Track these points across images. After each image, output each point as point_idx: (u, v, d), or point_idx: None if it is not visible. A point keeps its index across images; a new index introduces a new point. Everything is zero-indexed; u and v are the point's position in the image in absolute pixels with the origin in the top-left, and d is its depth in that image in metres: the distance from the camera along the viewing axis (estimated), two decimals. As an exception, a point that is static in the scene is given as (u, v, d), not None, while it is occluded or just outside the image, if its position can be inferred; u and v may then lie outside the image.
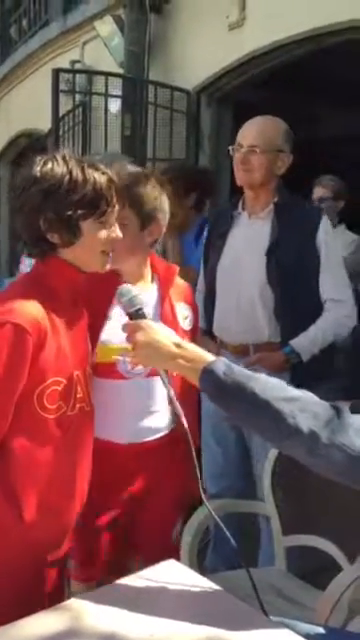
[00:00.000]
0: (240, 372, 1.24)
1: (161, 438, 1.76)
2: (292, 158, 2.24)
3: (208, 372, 1.25)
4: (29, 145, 8.36)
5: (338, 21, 3.84)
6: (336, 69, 5.14)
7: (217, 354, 2.22)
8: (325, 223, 2.20)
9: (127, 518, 1.78)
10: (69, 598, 1.33)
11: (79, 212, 1.39)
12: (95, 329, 1.64)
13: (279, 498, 2.09)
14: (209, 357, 1.29)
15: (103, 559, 1.75)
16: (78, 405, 1.45)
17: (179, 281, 1.84)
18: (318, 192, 3.61)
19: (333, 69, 5.10)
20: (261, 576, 2.10)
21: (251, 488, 2.34)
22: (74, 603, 1.26)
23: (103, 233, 1.44)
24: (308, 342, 2.16)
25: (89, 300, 1.64)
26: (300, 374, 2.19)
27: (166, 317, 1.76)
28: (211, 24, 4.58)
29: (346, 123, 6.74)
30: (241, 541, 2.45)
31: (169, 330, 1.40)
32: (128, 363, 1.65)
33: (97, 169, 1.42)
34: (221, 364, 1.26)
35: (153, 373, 1.70)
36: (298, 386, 2.17)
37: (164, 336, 1.34)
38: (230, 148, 2.25)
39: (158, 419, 1.75)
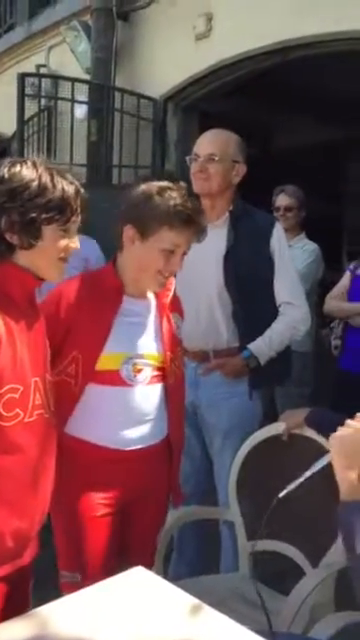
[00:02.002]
0: None
1: (154, 445, 1.80)
2: (246, 169, 2.29)
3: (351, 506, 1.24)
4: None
5: (305, 35, 3.93)
6: (302, 81, 5.25)
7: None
8: (278, 230, 2.28)
9: (124, 522, 1.80)
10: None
11: (43, 216, 1.39)
12: (100, 339, 1.69)
13: (243, 504, 2.12)
14: None
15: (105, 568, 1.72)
16: (36, 412, 1.44)
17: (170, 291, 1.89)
18: (283, 200, 3.65)
19: (299, 81, 5.21)
20: (225, 582, 2.12)
21: (213, 493, 2.36)
22: (40, 612, 1.25)
23: (63, 241, 1.44)
24: (265, 346, 2.22)
25: (94, 311, 1.70)
26: (258, 378, 2.23)
27: (165, 328, 1.81)
28: (178, 33, 4.63)
29: (309, 133, 6.88)
30: (204, 547, 2.48)
31: None
32: (131, 370, 1.70)
33: (65, 178, 1.42)
34: None
35: (152, 382, 1.76)
36: (256, 388, 2.22)
37: None
38: (187, 158, 2.29)
39: (156, 425, 1.79)
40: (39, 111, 5.09)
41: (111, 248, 2.86)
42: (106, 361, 1.70)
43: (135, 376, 1.73)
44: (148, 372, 1.76)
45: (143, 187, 1.70)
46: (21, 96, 4.70)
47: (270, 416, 2.44)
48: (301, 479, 1.43)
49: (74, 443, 1.72)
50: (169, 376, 1.80)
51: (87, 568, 1.69)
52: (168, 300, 1.84)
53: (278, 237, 2.27)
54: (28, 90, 4.99)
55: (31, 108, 5.10)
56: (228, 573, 2.25)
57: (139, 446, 1.76)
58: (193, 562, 2.45)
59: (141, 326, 1.77)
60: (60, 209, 1.40)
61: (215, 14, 4.39)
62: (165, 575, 2.29)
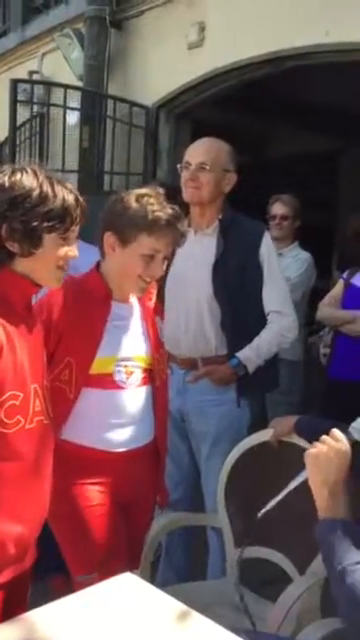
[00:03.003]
0: (346, 545, 1.23)
1: (144, 446, 1.85)
2: (236, 178, 2.31)
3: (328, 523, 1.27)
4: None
5: (297, 45, 3.97)
6: (294, 91, 5.30)
7: (166, 367, 2.29)
8: (267, 239, 2.30)
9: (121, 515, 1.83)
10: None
11: (44, 225, 1.40)
12: (92, 344, 1.73)
13: (231, 511, 2.13)
14: (339, 511, 1.30)
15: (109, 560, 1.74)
16: (36, 418, 1.46)
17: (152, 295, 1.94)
18: (279, 209, 3.65)
19: (291, 91, 5.26)
20: (212, 588, 2.13)
21: (202, 500, 2.37)
22: (29, 617, 1.25)
23: (63, 249, 1.46)
24: (253, 354, 2.24)
25: (85, 317, 1.74)
26: (246, 386, 2.25)
27: (149, 331, 1.87)
28: (171, 42, 4.66)
29: (300, 143, 6.94)
30: (191, 553, 2.49)
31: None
32: (124, 373, 1.75)
33: (65, 187, 1.44)
34: (345, 526, 1.27)
35: (142, 384, 1.81)
36: (244, 396, 2.24)
37: (346, 465, 1.35)
38: (178, 166, 2.31)
39: (145, 427, 1.84)
40: (31, 117, 5.11)
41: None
42: (99, 365, 1.75)
43: (127, 378, 1.78)
44: (138, 374, 1.81)
45: (121, 195, 1.74)
46: (13, 102, 4.71)
47: (260, 424, 2.45)
48: (279, 497, 1.45)
49: (67, 447, 1.74)
50: (156, 377, 1.85)
51: (102, 564, 1.69)
52: (152, 303, 1.89)
53: (267, 246, 2.29)
54: (20, 96, 5.01)
55: (23, 114, 5.12)
56: (216, 579, 2.26)
57: (129, 447, 1.80)
58: (181, 568, 2.46)
59: (128, 329, 1.82)
60: (61, 218, 1.42)
61: (208, 24, 4.43)
62: (153, 581, 2.31)
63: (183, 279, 2.29)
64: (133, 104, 4.88)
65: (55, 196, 1.41)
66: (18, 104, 4.84)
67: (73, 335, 1.72)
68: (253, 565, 2.12)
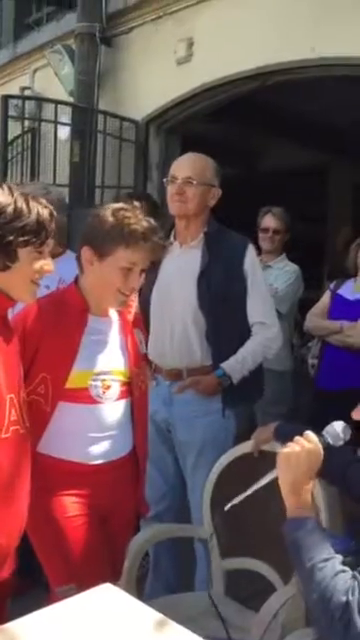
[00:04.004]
0: (313, 542, 1.25)
1: (122, 458, 1.86)
2: (221, 192, 2.35)
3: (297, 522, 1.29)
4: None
5: (282, 61, 4.03)
6: (283, 105, 5.37)
7: (152, 379, 2.31)
8: (251, 252, 2.33)
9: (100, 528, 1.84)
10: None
11: (20, 239, 1.43)
12: (68, 359, 1.74)
13: (217, 522, 2.13)
14: (307, 510, 1.32)
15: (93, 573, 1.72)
16: (12, 428, 1.47)
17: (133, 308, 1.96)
18: (270, 222, 3.64)
19: (280, 105, 5.32)
20: (198, 599, 2.13)
21: (188, 511, 2.37)
22: (7, 628, 1.25)
23: (38, 263, 1.49)
24: (238, 364, 2.26)
25: (61, 332, 1.75)
26: (231, 396, 2.27)
27: (128, 344, 1.88)
28: (160, 58, 4.72)
29: (290, 157, 7.00)
30: (179, 565, 2.49)
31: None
32: (100, 387, 1.76)
33: (40, 202, 1.48)
34: (313, 524, 1.29)
35: (120, 397, 1.81)
36: (229, 406, 2.25)
37: (316, 466, 1.37)
38: (165, 180, 2.34)
39: (123, 439, 1.85)
40: (22, 132, 5.15)
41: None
42: (75, 379, 1.76)
43: (104, 393, 1.79)
44: (116, 388, 1.82)
45: (97, 210, 1.75)
46: (4, 118, 4.75)
47: (249, 435, 2.46)
48: (247, 492, 1.46)
49: (45, 460, 1.74)
50: (134, 390, 1.86)
51: (81, 575, 1.69)
52: (131, 317, 1.90)
53: (251, 259, 2.31)
54: (12, 112, 5.05)
55: (15, 129, 5.16)
56: (203, 591, 2.25)
57: (106, 460, 1.81)
58: (169, 580, 2.46)
59: (106, 343, 1.83)
60: (35, 232, 1.45)
61: (196, 40, 4.49)
62: (141, 593, 2.31)
63: (168, 291, 2.31)
64: (123, 119, 4.92)
65: (30, 211, 1.44)
66: (9, 120, 4.89)
67: (49, 349, 1.73)
68: (243, 577, 2.12)
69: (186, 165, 2.34)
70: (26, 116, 5.31)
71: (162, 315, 2.31)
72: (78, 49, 5.02)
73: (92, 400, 1.77)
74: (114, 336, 1.86)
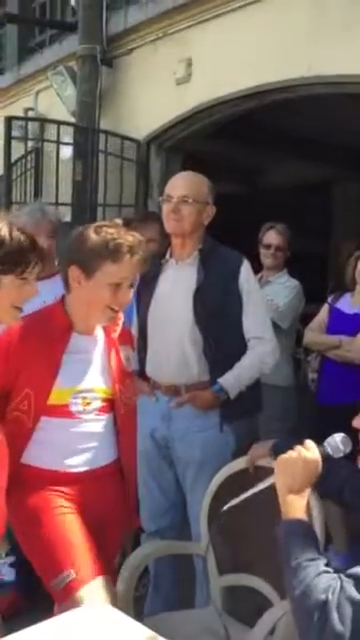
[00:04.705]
0: (302, 543, 1.27)
1: (106, 466, 1.89)
2: (215, 210, 2.37)
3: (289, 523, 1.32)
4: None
5: (279, 79, 4.08)
6: (284, 122, 5.42)
7: (151, 395, 2.32)
8: (246, 268, 2.35)
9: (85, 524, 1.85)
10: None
11: (2, 267, 1.47)
12: (50, 376, 1.77)
13: (215, 538, 2.13)
14: (300, 513, 1.34)
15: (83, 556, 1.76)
16: None
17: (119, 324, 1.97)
18: (273, 238, 3.62)
19: (281, 122, 5.38)
20: (197, 617, 2.13)
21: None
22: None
23: (21, 289, 1.53)
24: (235, 379, 2.27)
25: (44, 350, 1.78)
26: (229, 411, 2.28)
27: (114, 361, 1.90)
28: (160, 78, 4.79)
29: (292, 173, 7.05)
30: (180, 582, 2.48)
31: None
32: (80, 404, 1.79)
33: (23, 232, 1.53)
34: (304, 527, 1.32)
35: (101, 413, 1.85)
36: (227, 421, 2.27)
37: (313, 474, 1.39)
38: (160, 199, 2.37)
39: (104, 449, 1.88)
40: (26, 153, 5.23)
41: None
42: (56, 396, 1.79)
43: (84, 409, 1.82)
44: (97, 404, 1.85)
45: (80, 229, 1.79)
46: (8, 139, 4.83)
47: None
48: (245, 495, 1.48)
49: (27, 470, 1.79)
50: (119, 408, 1.88)
51: (76, 562, 1.70)
52: (116, 335, 1.92)
53: (246, 275, 2.34)
54: (15, 133, 5.14)
55: (19, 150, 5.24)
56: (202, 608, 2.25)
57: (87, 468, 1.84)
58: (169, 597, 2.45)
59: (90, 361, 1.85)
60: (18, 260, 1.50)
61: (194, 60, 4.56)
62: (141, 610, 2.30)
63: (165, 308, 2.33)
64: (124, 138, 5.00)
65: (11, 240, 1.48)
66: (13, 140, 4.97)
67: (32, 367, 1.77)
68: (244, 594, 2.11)
69: (181, 184, 2.37)
70: (29, 137, 5.40)
71: (159, 331, 2.33)
72: (80, 70, 5.12)
73: (72, 415, 1.81)
74: (98, 354, 1.88)
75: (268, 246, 3.60)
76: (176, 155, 5.11)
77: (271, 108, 4.49)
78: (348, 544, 2.63)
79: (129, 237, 1.78)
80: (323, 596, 1.16)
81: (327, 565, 1.25)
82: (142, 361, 2.39)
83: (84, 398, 1.82)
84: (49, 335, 1.81)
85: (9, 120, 4.93)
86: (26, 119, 5.63)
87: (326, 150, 6.37)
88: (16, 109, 6.35)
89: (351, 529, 2.34)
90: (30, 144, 5.43)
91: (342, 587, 1.17)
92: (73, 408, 1.81)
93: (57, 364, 1.79)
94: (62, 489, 1.81)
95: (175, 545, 2.26)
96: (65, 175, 4.93)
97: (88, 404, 1.83)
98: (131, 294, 1.84)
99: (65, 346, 1.81)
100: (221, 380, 2.25)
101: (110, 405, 1.88)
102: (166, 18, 4.65)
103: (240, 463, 2.14)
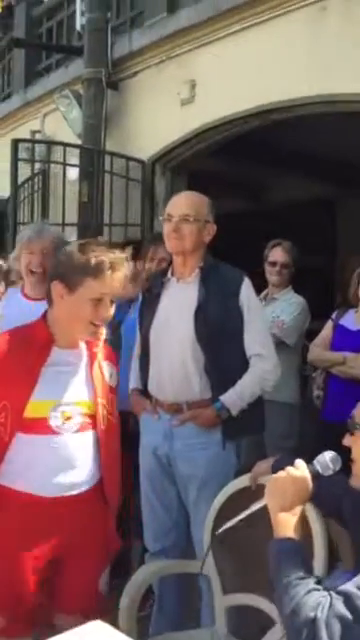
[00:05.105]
0: (293, 562, 1.28)
1: (85, 492, 1.86)
2: (216, 228, 2.40)
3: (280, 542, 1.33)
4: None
5: (280, 99, 4.14)
6: (287, 141, 5.48)
7: (153, 412, 2.33)
8: (247, 286, 2.36)
9: (51, 569, 1.84)
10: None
11: None
12: (26, 388, 1.78)
13: (218, 557, 2.12)
14: (291, 532, 1.35)
15: (30, 612, 1.79)
16: None
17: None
18: (278, 256, 3.61)
19: (284, 140, 5.43)
20: (201, 637, 2.11)
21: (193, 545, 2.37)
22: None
23: None
24: (237, 397, 2.27)
25: (21, 362, 1.80)
26: (231, 429, 2.29)
27: (96, 376, 1.91)
28: (164, 100, 4.87)
29: (296, 190, 7.10)
30: (184, 600, 2.47)
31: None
32: (60, 418, 1.78)
33: None
34: (295, 546, 1.33)
35: (82, 429, 1.84)
36: (229, 439, 2.27)
37: (303, 493, 1.40)
38: (160, 218, 2.40)
39: (87, 472, 1.86)
40: (32, 174, 5.30)
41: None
42: (34, 409, 1.79)
43: (64, 424, 1.81)
44: (78, 419, 1.84)
45: (66, 247, 1.83)
46: (14, 161, 4.91)
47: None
48: (239, 517, 1.48)
49: (2, 491, 1.79)
50: (100, 422, 1.88)
51: (10, 613, 1.75)
52: (98, 349, 1.94)
53: (247, 293, 2.35)
54: (23, 155, 5.23)
55: (26, 172, 5.33)
56: (207, 628, 2.23)
57: (66, 493, 1.81)
58: (174, 616, 2.44)
59: (71, 374, 1.87)
60: None
61: (198, 81, 4.64)
62: (145, 630, 2.29)
63: (166, 326, 2.35)
64: (129, 159, 5.06)
65: None
66: (20, 162, 5.06)
67: (9, 380, 1.78)
68: (249, 613, 2.10)
69: (182, 203, 2.39)
70: (36, 159, 5.48)
71: (161, 349, 2.35)
72: (85, 93, 5.22)
73: (51, 431, 1.79)
74: (81, 368, 1.89)
75: (274, 263, 3.60)
76: (181, 174, 5.17)
77: (274, 126, 4.55)
78: (356, 561, 2.61)
79: (111, 255, 1.82)
80: (312, 614, 1.17)
81: (318, 583, 1.25)
82: (144, 379, 2.40)
83: (64, 412, 1.81)
84: (28, 349, 1.83)
85: (16, 142, 5.01)
86: (32, 141, 5.72)
87: (330, 167, 6.42)
88: (24, 131, 6.46)
89: (356, 547, 2.33)
90: (37, 166, 5.51)
91: (331, 604, 1.17)
92: (52, 422, 1.79)
93: (34, 376, 1.80)
94: (34, 515, 1.78)
95: (178, 564, 2.26)
96: (71, 196, 5.00)
97: (68, 419, 1.82)
98: (112, 310, 1.86)
99: (44, 359, 1.83)
100: (223, 398, 2.26)
101: (93, 422, 1.87)
102: (169, 41, 4.74)
103: (243, 481, 2.14)
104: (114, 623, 1.75)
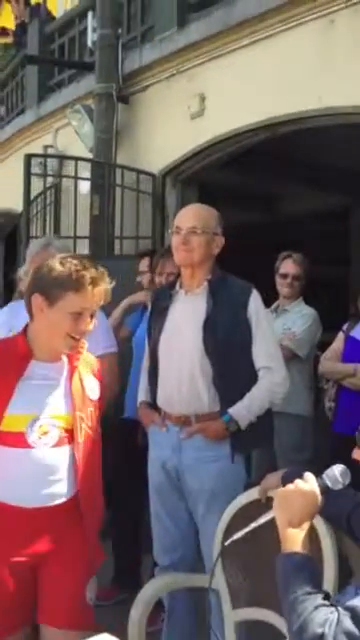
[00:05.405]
0: (301, 577, 1.28)
1: (65, 502, 1.85)
2: (224, 240, 2.40)
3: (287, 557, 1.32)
4: (5, 224, 8.61)
5: (291, 111, 4.15)
6: (298, 152, 5.49)
7: (161, 425, 2.33)
8: (255, 298, 2.36)
9: (32, 578, 1.84)
10: None
11: None
12: (2, 401, 1.79)
13: (228, 572, 2.11)
14: (299, 547, 1.33)
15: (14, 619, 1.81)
16: None
17: (87, 356, 1.99)
18: (289, 268, 3.60)
19: (292, 151, 5.44)
20: (211, 652, 2.10)
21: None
22: None
23: None
24: (245, 410, 2.27)
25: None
26: (240, 441, 2.29)
27: (76, 389, 1.90)
28: (174, 113, 4.91)
29: (309, 200, 7.09)
30: (195, 614, 2.45)
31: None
32: (37, 432, 1.80)
33: None
34: (303, 561, 1.31)
35: (59, 443, 1.84)
36: (238, 452, 2.26)
37: (312, 507, 1.39)
38: (169, 231, 2.41)
39: (63, 484, 1.85)
40: (44, 189, 5.36)
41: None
42: (11, 422, 1.79)
43: (40, 438, 1.81)
44: (55, 433, 1.83)
45: (47, 261, 1.85)
46: (27, 176, 4.96)
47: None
48: (246, 529, 1.47)
49: None
50: (77, 436, 1.86)
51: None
52: (79, 362, 1.93)
53: (255, 305, 2.35)
54: (35, 169, 5.29)
55: (38, 186, 5.38)
56: (216, 642, 2.21)
57: (43, 504, 1.81)
58: (184, 629, 2.42)
59: (49, 388, 1.86)
60: None
61: (207, 95, 4.67)
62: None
63: (175, 338, 2.35)
64: (140, 172, 5.10)
65: None
66: (33, 177, 5.12)
67: None
68: (258, 628, 2.08)
69: (190, 215, 2.41)
70: (49, 173, 5.54)
71: (169, 362, 2.35)
72: (97, 108, 5.27)
73: (28, 445, 1.80)
74: (59, 381, 1.89)
75: (285, 275, 3.59)
76: (191, 187, 5.20)
77: (285, 137, 4.56)
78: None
79: (92, 269, 1.83)
80: (320, 630, 1.16)
81: (326, 598, 1.24)
82: (153, 392, 2.41)
83: (40, 426, 1.81)
84: (6, 363, 1.83)
85: (28, 157, 5.07)
86: (44, 156, 5.79)
87: (343, 177, 6.40)
88: (37, 146, 6.54)
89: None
90: (49, 180, 5.57)
91: (339, 620, 1.16)
92: (29, 437, 1.80)
93: (9, 389, 1.80)
94: (12, 525, 1.79)
95: (187, 578, 2.24)
96: (83, 209, 5.04)
97: (45, 433, 1.81)
98: (92, 324, 1.86)
99: (21, 372, 1.83)
100: (231, 410, 2.26)
101: (70, 436, 1.86)
102: (179, 56, 4.78)
103: (252, 494, 2.13)
104: (123, 637, 1.75)
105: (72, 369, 1.92)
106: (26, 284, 2.82)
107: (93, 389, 1.95)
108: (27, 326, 1.91)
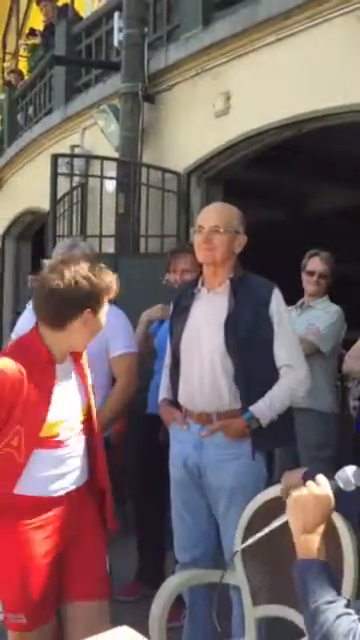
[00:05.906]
0: (319, 583, 1.26)
1: (81, 486, 1.99)
2: (246, 239, 2.41)
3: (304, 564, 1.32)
4: (33, 222, 8.73)
5: (316, 109, 4.13)
6: (321, 148, 5.45)
7: (182, 423, 2.35)
8: (277, 297, 2.36)
9: (60, 562, 1.96)
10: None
11: None
12: (42, 411, 1.86)
13: (249, 568, 2.12)
14: (315, 553, 1.33)
15: (48, 606, 1.91)
16: None
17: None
18: (317, 265, 3.59)
19: (318, 148, 5.41)
20: (231, 648, 2.11)
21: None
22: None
23: None
24: (266, 408, 2.27)
25: (35, 385, 1.85)
26: (261, 439, 2.29)
27: (85, 385, 2.02)
28: (199, 112, 4.92)
29: (337, 198, 7.04)
30: (216, 612, 2.46)
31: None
32: (67, 431, 1.93)
33: None
34: (320, 566, 1.31)
35: (81, 434, 1.98)
36: (259, 449, 2.28)
37: (325, 510, 1.38)
38: (192, 230, 2.43)
39: (80, 472, 1.99)
40: (71, 188, 5.41)
41: (138, 314, 2.96)
42: (46, 429, 1.88)
43: (70, 436, 1.94)
44: (78, 427, 1.97)
45: (74, 276, 1.90)
46: (54, 176, 5.02)
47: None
48: (260, 534, 1.47)
49: (12, 498, 1.87)
50: (94, 423, 2.03)
51: (31, 610, 1.86)
52: (84, 358, 2.03)
53: (277, 303, 2.35)
54: (62, 169, 5.35)
55: (65, 185, 5.44)
56: (238, 639, 2.23)
57: (68, 490, 1.94)
58: (206, 627, 2.43)
59: (69, 388, 1.97)
60: None
61: (232, 93, 4.67)
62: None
63: (197, 336, 2.37)
64: (165, 171, 5.12)
65: None
66: (60, 176, 5.17)
67: (24, 404, 1.82)
68: (278, 625, 2.09)
69: (212, 214, 2.42)
70: (75, 173, 5.59)
71: (191, 359, 2.37)
72: (122, 108, 5.30)
73: (59, 444, 1.91)
74: (73, 379, 1.99)
75: (311, 273, 3.58)
76: (216, 185, 5.20)
77: (311, 135, 4.54)
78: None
79: (105, 269, 1.94)
80: None
81: (347, 606, 1.22)
82: (175, 389, 2.42)
83: (70, 426, 1.93)
84: (35, 367, 1.86)
85: (55, 157, 5.13)
86: (71, 156, 5.84)
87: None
88: (64, 146, 6.61)
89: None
90: (76, 179, 5.62)
91: None
92: (61, 437, 1.91)
93: (48, 398, 1.86)
94: (44, 513, 1.89)
95: (206, 574, 2.25)
96: (109, 208, 5.08)
97: (72, 430, 1.94)
98: (104, 320, 1.96)
99: (53, 379, 1.89)
100: (252, 408, 2.26)
101: (86, 427, 2.00)
102: (204, 54, 4.79)
103: (273, 491, 2.13)
104: (144, 633, 1.78)
105: (79, 366, 2.01)
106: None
107: (93, 385, 2.07)
108: (36, 331, 1.93)
